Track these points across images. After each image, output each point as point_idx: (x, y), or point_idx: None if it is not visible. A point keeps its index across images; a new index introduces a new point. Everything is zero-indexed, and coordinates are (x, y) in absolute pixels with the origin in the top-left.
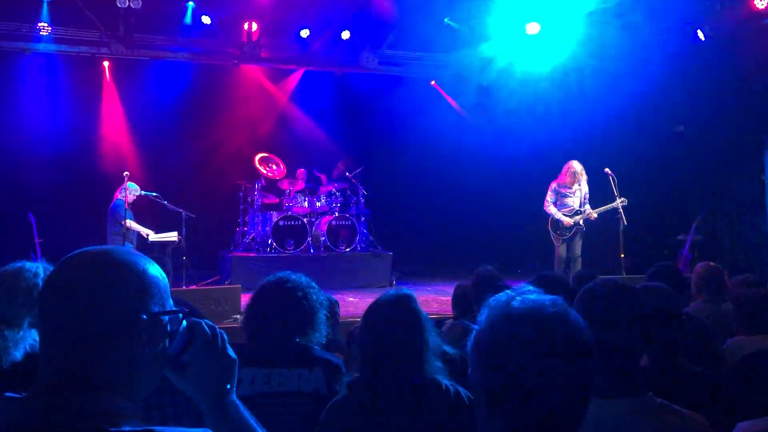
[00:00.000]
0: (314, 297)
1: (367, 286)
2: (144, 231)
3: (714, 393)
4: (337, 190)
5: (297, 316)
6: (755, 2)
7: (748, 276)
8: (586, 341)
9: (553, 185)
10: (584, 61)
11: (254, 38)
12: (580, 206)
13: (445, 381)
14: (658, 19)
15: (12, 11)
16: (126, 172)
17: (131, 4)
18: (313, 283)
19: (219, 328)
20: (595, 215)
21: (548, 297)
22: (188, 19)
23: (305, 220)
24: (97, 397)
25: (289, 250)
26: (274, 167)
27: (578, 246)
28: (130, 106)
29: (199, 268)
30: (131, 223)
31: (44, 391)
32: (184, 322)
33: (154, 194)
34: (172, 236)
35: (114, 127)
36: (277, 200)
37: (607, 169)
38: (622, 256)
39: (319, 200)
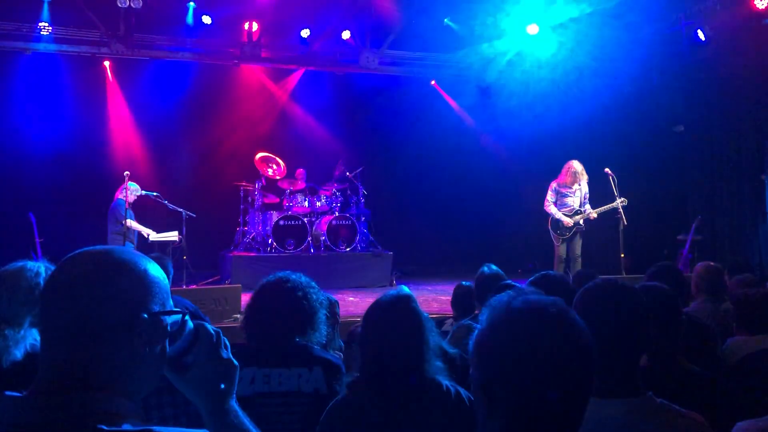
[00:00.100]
0: (314, 297)
1: (367, 285)
2: (145, 231)
3: (714, 393)
4: (338, 190)
5: (297, 315)
6: (755, 2)
7: (748, 276)
8: (586, 342)
9: (554, 185)
10: (584, 61)
11: (255, 38)
12: (580, 206)
13: (446, 382)
14: (658, 20)
15: (12, 11)
16: (126, 172)
17: (132, 4)
18: (313, 283)
19: (221, 330)
20: (595, 215)
21: (549, 298)
22: (189, 18)
23: (305, 219)
24: (97, 397)
25: (290, 250)
26: (275, 167)
27: (578, 246)
28: (130, 106)
29: (199, 267)
30: (132, 223)
31: (44, 390)
32: (190, 324)
33: (154, 194)
34: (173, 236)
35: (114, 127)
36: (278, 200)
37: (607, 169)
38: (622, 256)
39: (320, 200)
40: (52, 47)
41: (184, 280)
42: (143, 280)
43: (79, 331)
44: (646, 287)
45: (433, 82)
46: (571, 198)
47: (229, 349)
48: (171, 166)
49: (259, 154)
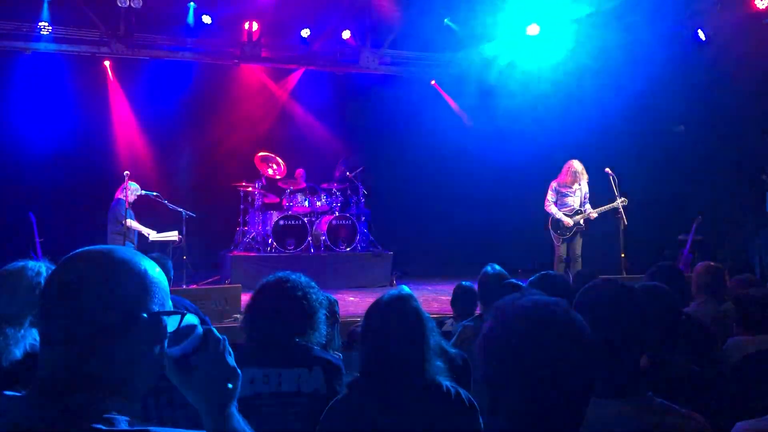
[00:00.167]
0: (314, 296)
1: (367, 285)
2: (145, 230)
3: (714, 393)
4: (338, 190)
5: (297, 315)
6: (755, 2)
7: (748, 276)
8: (590, 342)
9: (554, 185)
10: (584, 61)
11: (255, 38)
12: (580, 206)
13: (446, 382)
14: (659, 19)
15: (13, 10)
16: (126, 172)
17: (132, 4)
18: (313, 283)
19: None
20: (596, 215)
21: (553, 299)
22: (190, 18)
23: (305, 219)
24: (95, 396)
25: (290, 250)
26: (275, 167)
27: (578, 246)
28: (131, 106)
29: (199, 267)
30: (132, 223)
31: (42, 390)
32: (199, 327)
33: (154, 193)
34: (173, 236)
35: (114, 126)
36: (278, 200)
37: (607, 169)
38: (622, 256)
39: (320, 200)
40: (52, 47)
41: (184, 280)
42: (143, 279)
43: (78, 331)
44: (646, 287)
45: (433, 82)
46: (572, 198)
47: (233, 357)
48: (171, 166)
49: (260, 154)
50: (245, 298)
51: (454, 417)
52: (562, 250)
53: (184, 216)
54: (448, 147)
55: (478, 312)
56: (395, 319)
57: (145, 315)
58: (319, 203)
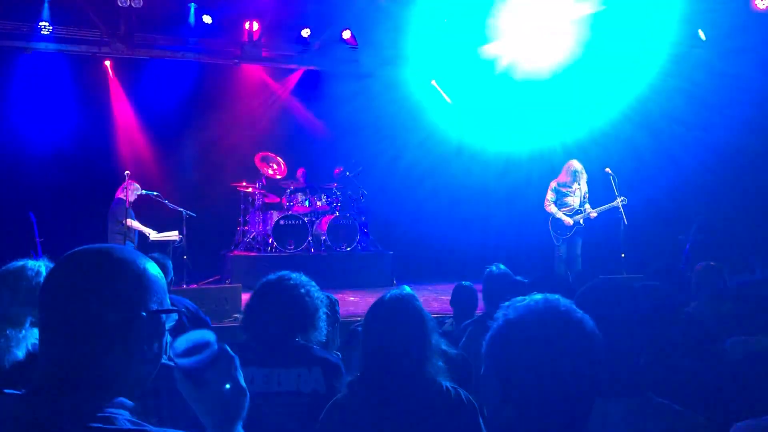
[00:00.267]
0: (314, 296)
1: (368, 285)
2: (145, 230)
3: (714, 393)
4: (338, 190)
5: (297, 315)
6: (756, 2)
7: (747, 276)
8: (596, 341)
9: (554, 184)
10: (584, 60)
11: (255, 37)
12: (580, 205)
13: (446, 383)
14: (659, 19)
15: (13, 10)
16: (127, 171)
17: (132, 4)
18: (313, 282)
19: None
20: (595, 214)
21: (559, 299)
22: (191, 18)
23: (306, 219)
24: (95, 394)
25: (290, 250)
26: (275, 166)
27: (578, 245)
28: (131, 106)
29: (199, 267)
30: (132, 222)
31: (42, 388)
32: (215, 345)
33: (154, 193)
34: (173, 235)
35: (114, 126)
36: (278, 199)
37: (607, 169)
38: (622, 255)
39: (320, 199)
40: (53, 46)
41: (184, 280)
42: (142, 279)
43: (77, 330)
44: (647, 287)
45: (433, 82)
46: (571, 197)
47: (243, 376)
48: (171, 166)
49: (260, 154)
50: (245, 297)
51: (453, 417)
52: (561, 249)
53: (185, 215)
54: (449, 147)
55: (478, 312)
56: (398, 319)
57: (144, 313)
58: (319, 203)
